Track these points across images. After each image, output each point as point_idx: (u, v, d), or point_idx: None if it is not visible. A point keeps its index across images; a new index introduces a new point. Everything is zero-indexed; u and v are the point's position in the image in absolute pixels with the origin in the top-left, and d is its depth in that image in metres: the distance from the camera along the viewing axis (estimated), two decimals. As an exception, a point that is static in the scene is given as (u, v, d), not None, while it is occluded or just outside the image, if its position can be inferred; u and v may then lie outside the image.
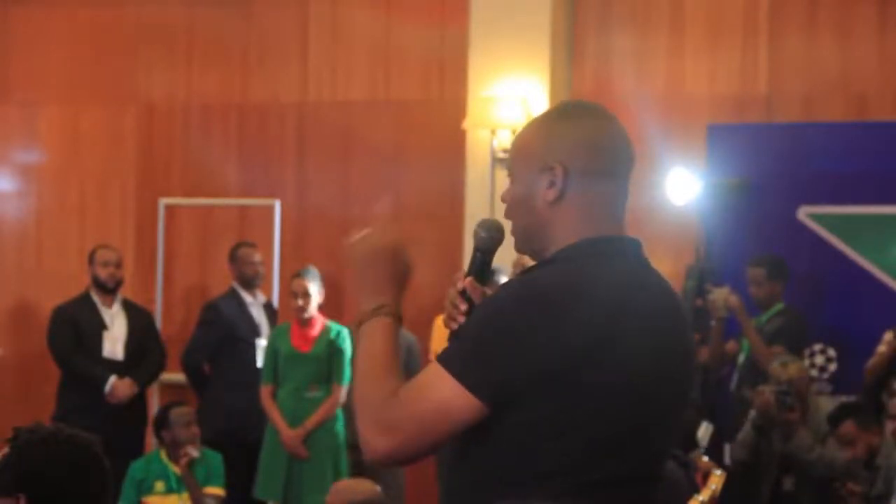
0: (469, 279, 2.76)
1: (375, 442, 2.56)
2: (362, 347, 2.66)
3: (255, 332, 8.84)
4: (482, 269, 2.78)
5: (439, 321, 8.78)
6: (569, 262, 2.62)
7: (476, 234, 2.80)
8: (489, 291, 2.74)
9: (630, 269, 2.65)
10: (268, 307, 9.09)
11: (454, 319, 2.74)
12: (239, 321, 8.83)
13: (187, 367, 8.90)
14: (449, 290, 2.75)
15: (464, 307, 2.73)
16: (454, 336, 2.69)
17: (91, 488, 3.45)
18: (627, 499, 2.58)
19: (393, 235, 2.73)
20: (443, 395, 2.53)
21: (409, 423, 2.54)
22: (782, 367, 7.73)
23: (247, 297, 8.97)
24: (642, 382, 2.56)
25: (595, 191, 2.66)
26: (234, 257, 9.08)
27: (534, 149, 2.69)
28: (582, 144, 2.66)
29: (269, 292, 9.52)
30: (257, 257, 9.08)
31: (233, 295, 8.97)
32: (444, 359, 2.56)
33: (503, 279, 7.75)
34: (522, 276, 2.63)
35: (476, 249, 2.80)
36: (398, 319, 2.69)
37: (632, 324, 2.56)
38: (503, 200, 2.74)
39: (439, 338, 8.76)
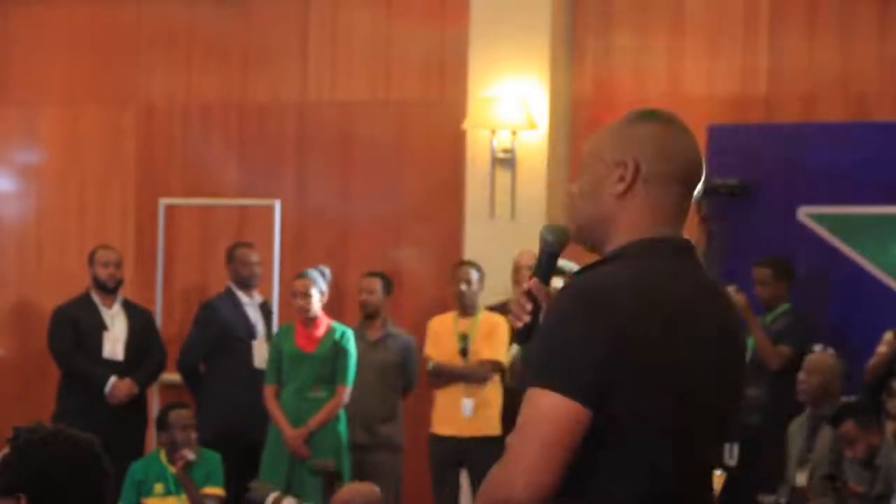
0: (534, 280, 2.87)
1: (516, 488, 2.58)
2: None
3: (251, 333, 8.83)
4: (548, 270, 2.90)
5: (434, 323, 8.76)
6: (621, 261, 2.71)
7: (542, 238, 2.92)
8: (552, 293, 2.85)
9: (680, 270, 2.74)
10: (264, 307, 9.07)
11: (520, 319, 2.85)
12: (234, 321, 8.83)
13: (182, 367, 8.91)
14: (515, 291, 2.89)
15: (529, 307, 2.84)
16: (528, 352, 2.75)
17: (91, 488, 3.45)
18: (680, 488, 2.67)
19: None
20: (550, 412, 2.58)
21: (533, 452, 2.57)
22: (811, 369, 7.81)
23: (243, 297, 8.96)
24: (687, 379, 2.65)
25: (661, 193, 2.76)
26: (231, 257, 9.07)
27: (608, 145, 2.79)
28: (655, 147, 2.75)
29: (269, 292, 9.52)
30: (254, 257, 9.07)
31: (229, 295, 8.97)
32: (536, 380, 2.61)
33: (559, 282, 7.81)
34: (577, 278, 2.72)
35: (542, 252, 2.91)
36: None
37: (681, 322, 2.66)
38: (569, 194, 2.84)
39: (433, 340, 8.71)
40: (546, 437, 2.57)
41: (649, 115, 2.81)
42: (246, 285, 8.98)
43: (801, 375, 7.82)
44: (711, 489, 2.76)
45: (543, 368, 2.61)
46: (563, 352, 2.59)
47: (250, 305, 8.97)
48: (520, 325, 2.85)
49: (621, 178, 2.74)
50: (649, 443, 2.62)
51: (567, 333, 2.60)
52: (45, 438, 3.45)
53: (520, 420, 2.62)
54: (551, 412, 2.57)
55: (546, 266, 2.90)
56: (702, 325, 2.69)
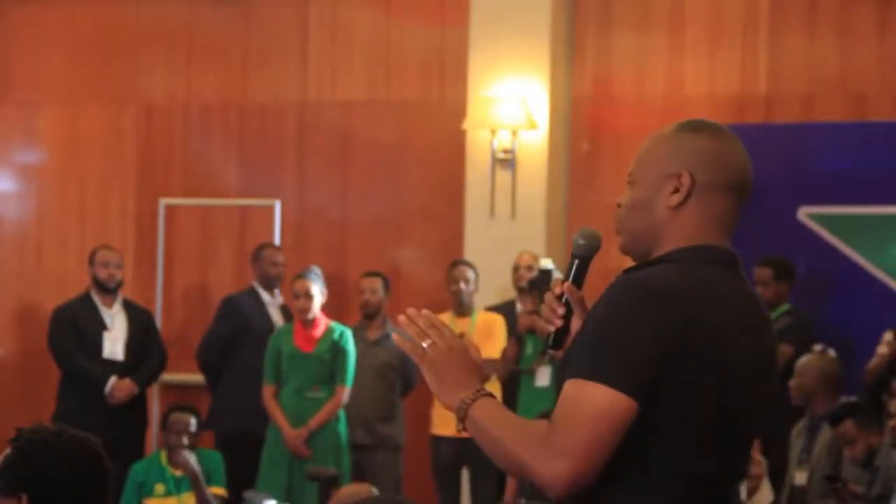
0: (567, 283, 2.89)
1: (555, 472, 2.60)
2: (488, 423, 2.76)
3: (271, 330, 8.84)
4: (579, 274, 2.92)
5: None
6: (674, 263, 2.73)
7: (575, 242, 2.93)
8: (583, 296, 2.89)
9: (725, 279, 2.77)
10: (285, 308, 9.09)
11: (552, 322, 2.87)
12: (255, 318, 8.86)
13: (200, 360, 8.92)
14: (546, 295, 2.89)
15: (561, 311, 2.87)
16: (572, 347, 2.74)
17: (92, 489, 3.46)
18: (708, 493, 2.69)
19: (455, 338, 2.84)
20: (600, 404, 2.59)
21: (580, 442, 2.59)
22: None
23: (266, 296, 9.01)
24: (725, 386, 2.67)
25: (712, 204, 2.79)
26: (257, 257, 9.11)
27: (661, 156, 2.81)
28: (708, 158, 2.79)
29: (268, 292, 9.53)
30: (281, 258, 9.14)
31: (251, 293, 9.00)
32: (584, 371, 2.62)
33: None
34: (628, 275, 2.72)
35: (574, 256, 2.93)
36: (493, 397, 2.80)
37: (724, 330, 2.68)
38: (619, 205, 2.84)
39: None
40: (597, 430, 2.57)
41: (701, 126, 2.83)
42: (270, 285, 9.03)
43: (792, 378, 7.84)
44: (738, 495, 2.77)
45: (596, 361, 2.61)
46: (617, 346, 2.60)
47: (272, 305, 9.02)
48: (551, 328, 2.87)
49: (676, 190, 2.77)
50: (682, 446, 2.63)
51: (621, 327, 2.61)
52: (46, 439, 3.45)
53: (563, 408, 2.62)
54: (604, 406, 2.58)
55: (578, 270, 2.91)
56: (742, 335, 2.71)
